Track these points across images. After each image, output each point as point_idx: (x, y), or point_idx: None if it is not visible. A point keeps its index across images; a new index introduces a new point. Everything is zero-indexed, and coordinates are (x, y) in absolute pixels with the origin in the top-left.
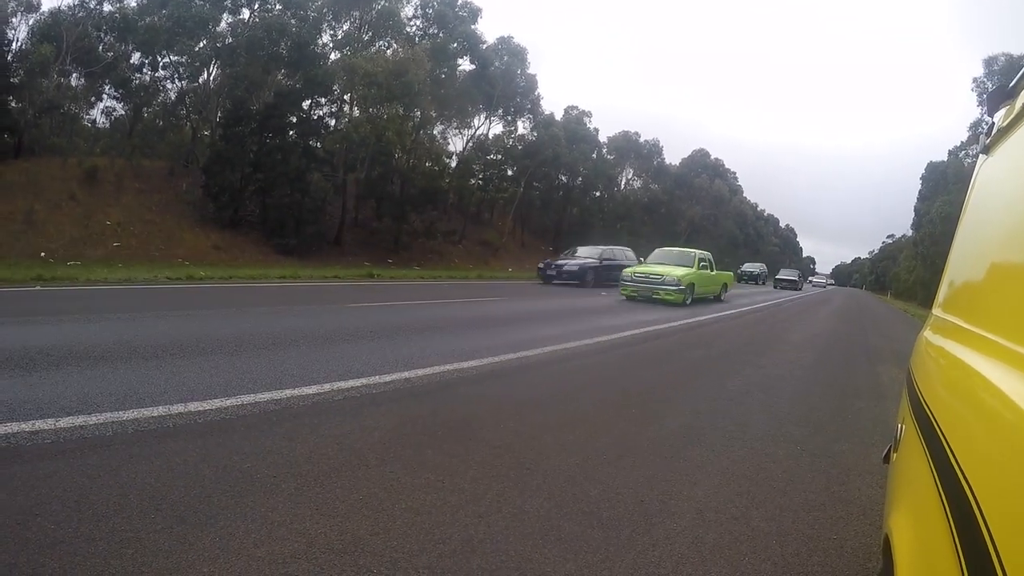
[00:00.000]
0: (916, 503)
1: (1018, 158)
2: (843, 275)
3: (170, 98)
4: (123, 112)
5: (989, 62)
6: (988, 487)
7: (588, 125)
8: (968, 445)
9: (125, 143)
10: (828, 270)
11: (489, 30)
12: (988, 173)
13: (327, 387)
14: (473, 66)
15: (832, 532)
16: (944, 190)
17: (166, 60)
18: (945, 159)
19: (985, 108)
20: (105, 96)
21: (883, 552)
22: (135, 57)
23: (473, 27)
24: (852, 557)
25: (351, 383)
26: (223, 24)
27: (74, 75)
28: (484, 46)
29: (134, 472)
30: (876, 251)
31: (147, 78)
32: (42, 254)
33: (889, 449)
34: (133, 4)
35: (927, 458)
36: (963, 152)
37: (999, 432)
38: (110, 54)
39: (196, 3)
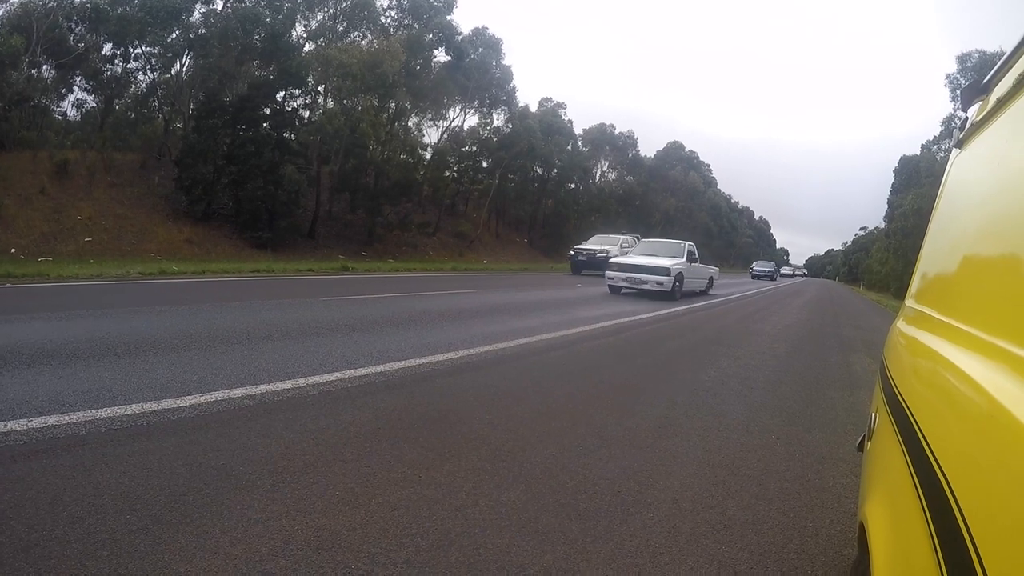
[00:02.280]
0: (890, 491)
1: (991, 152)
2: (816, 267)
3: (142, 90)
4: (94, 104)
5: (962, 59)
6: (961, 473)
7: (563, 117)
8: (941, 433)
9: (96, 136)
10: (802, 262)
11: (464, 21)
12: (961, 167)
13: (302, 382)
14: (448, 57)
15: (807, 520)
16: (917, 183)
17: (138, 51)
18: (918, 153)
19: (958, 103)
20: (76, 88)
21: (858, 540)
22: (106, 48)
23: (448, 18)
24: (828, 544)
25: (326, 377)
26: (196, 14)
27: (45, 67)
28: (459, 37)
29: (108, 472)
30: (849, 243)
31: (119, 69)
32: (12, 250)
33: (863, 438)
34: None
35: (901, 446)
36: (935, 146)
37: (971, 419)
38: (81, 45)
39: None
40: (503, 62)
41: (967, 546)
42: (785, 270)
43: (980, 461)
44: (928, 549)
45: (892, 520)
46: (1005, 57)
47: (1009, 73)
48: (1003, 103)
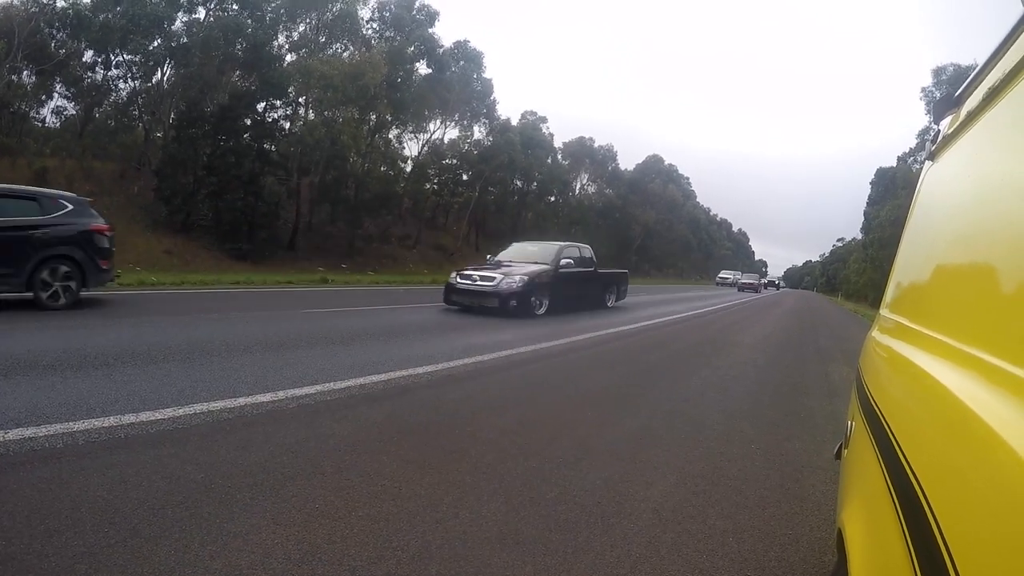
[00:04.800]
0: (867, 498)
1: (962, 164)
2: (795, 278)
3: (122, 98)
4: (74, 111)
5: (937, 72)
6: (935, 480)
7: (544, 131)
8: (915, 440)
9: (76, 144)
10: (780, 273)
11: (446, 34)
12: (933, 179)
13: (282, 394)
14: (430, 70)
15: (787, 527)
16: (893, 195)
17: (119, 59)
18: (894, 165)
19: (932, 117)
20: (56, 95)
21: (837, 546)
22: (88, 55)
23: (430, 31)
24: (808, 551)
25: (306, 390)
26: (178, 23)
27: (25, 72)
28: (441, 50)
29: (86, 485)
30: (827, 254)
31: (99, 77)
32: None
33: (840, 446)
34: (87, 0)
35: (876, 453)
36: (911, 158)
37: (944, 427)
38: (62, 51)
39: (152, 1)
40: (484, 75)
41: (941, 551)
42: (725, 275)
43: (953, 467)
44: (903, 554)
45: (868, 526)
46: (976, 71)
47: (979, 87)
48: (973, 116)
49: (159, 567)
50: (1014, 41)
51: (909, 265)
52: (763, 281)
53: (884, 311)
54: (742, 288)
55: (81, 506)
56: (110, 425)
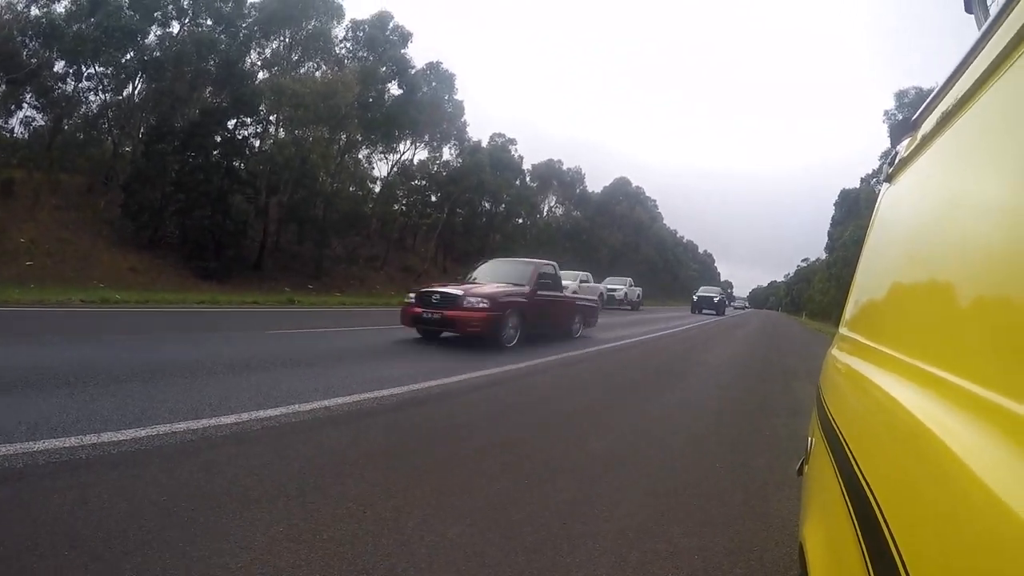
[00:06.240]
0: (826, 512)
1: (916, 186)
2: (760, 298)
3: (92, 111)
4: (43, 123)
5: (900, 95)
6: (889, 492)
7: (513, 153)
8: (870, 454)
9: (44, 156)
10: (745, 293)
11: (418, 55)
12: (890, 200)
13: (245, 416)
14: (401, 90)
15: (752, 544)
16: (856, 215)
17: (91, 71)
18: (858, 186)
19: (890, 139)
20: (25, 104)
21: (799, 559)
22: (59, 66)
23: (403, 51)
24: (773, 567)
25: (270, 412)
26: (152, 37)
27: None
28: (413, 71)
29: (46, 506)
30: (791, 274)
31: (70, 88)
32: None
33: (802, 462)
34: (61, 10)
35: (834, 468)
36: (874, 180)
37: (897, 440)
38: (34, 61)
39: (126, 13)
40: (456, 97)
41: (896, 563)
42: (703, 294)
43: (906, 481)
44: (860, 566)
45: (827, 540)
46: (932, 95)
47: (934, 112)
48: (927, 140)
49: None
50: (967, 67)
51: (866, 284)
52: (729, 299)
53: (843, 329)
54: (700, 308)
55: (40, 528)
56: (71, 445)
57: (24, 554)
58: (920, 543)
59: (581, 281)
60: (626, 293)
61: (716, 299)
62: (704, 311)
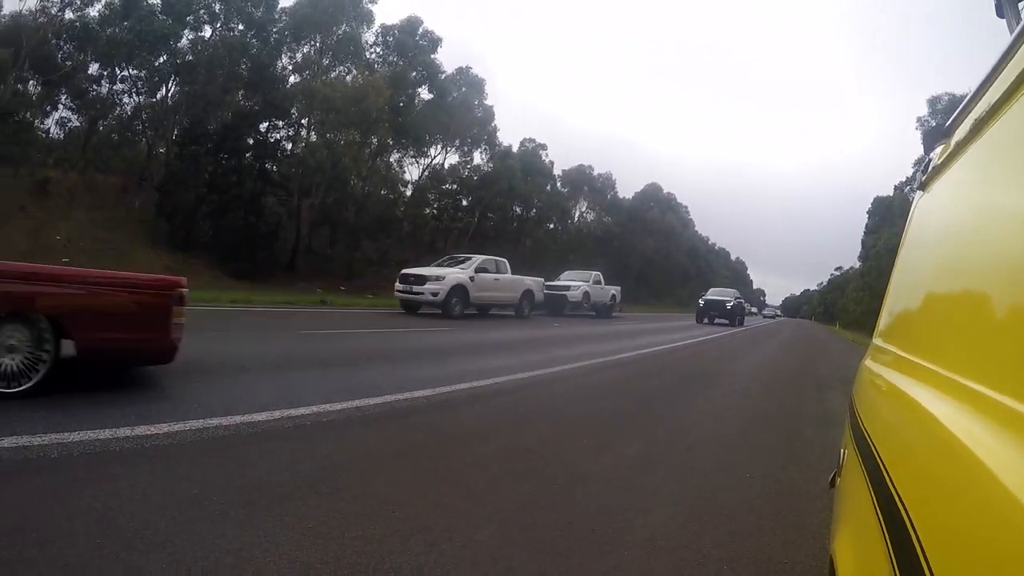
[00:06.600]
0: (857, 526)
1: (950, 194)
2: (793, 307)
3: (126, 112)
4: (78, 124)
5: (933, 102)
6: (922, 508)
7: (543, 158)
8: (903, 467)
9: (79, 156)
10: (778, 302)
11: (448, 60)
12: (924, 208)
13: (277, 414)
14: (432, 95)
15: (783, 555)
16: (890, 223)
17: (125, 73)
18: (891, 193)
19: (924, 146)
20: (61, 106)
21: (828, 574)
22: (93, 68)
23: (433, 56)
24: None
25: (301, 411)
26: (184, 40)
27: (31, 82)
28: (443, 76)
29: (80, 496)
30: (825, 283)
31: (104, 90)
32: None
33: (834, 474)
34: (95, 14)
35: (866, 481)
36: (908, 187)
37: (931, 455)
38: (68, 63)
39: (159, 18)
40: (486, 102)
41: None
42: (713, 297)
43: (940, 496)
44: None
45: (857, 554)
46: (965, 101)
47: (968, 117)
48: (961, 147)
49: None
50: (999, 73)
51: (900, 294)
52: (759, 307)
53: (877, 340)
54: (708, 316)
55: (74, 517)
56: (105, 438)
57: (57, 540)
58: (952, 563)
59: (594, 282)
60: (586, 293)
61: (730, 304)
62: (715, 321)
